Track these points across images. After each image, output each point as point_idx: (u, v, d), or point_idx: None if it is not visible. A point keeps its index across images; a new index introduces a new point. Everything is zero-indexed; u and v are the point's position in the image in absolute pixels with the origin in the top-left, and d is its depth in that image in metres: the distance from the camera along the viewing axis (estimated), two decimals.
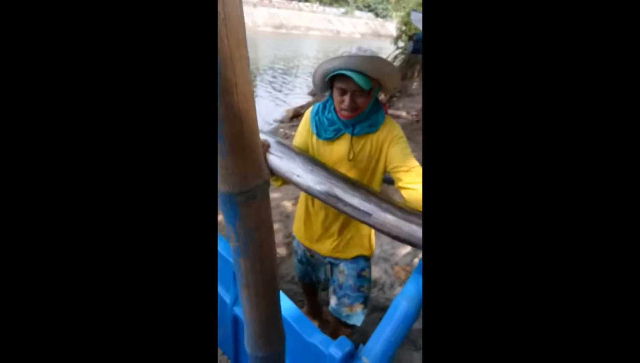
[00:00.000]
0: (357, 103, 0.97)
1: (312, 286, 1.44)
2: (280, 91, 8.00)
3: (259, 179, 0.48)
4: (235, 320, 1.09)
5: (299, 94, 7.87)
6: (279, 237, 2.21)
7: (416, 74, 6.81)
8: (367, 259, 1.21)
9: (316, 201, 1.15)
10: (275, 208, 2.50)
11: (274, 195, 2.65)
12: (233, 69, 0.39)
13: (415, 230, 0.81)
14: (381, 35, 31.46)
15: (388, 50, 7.71)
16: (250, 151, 0.46)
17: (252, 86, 0.44)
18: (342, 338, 0.77)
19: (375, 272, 1.89)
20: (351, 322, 1.20)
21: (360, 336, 1.37)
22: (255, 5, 27.73)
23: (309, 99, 7.09)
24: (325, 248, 1.19)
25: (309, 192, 0.95)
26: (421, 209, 0.85)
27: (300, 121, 1.16)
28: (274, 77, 9.62)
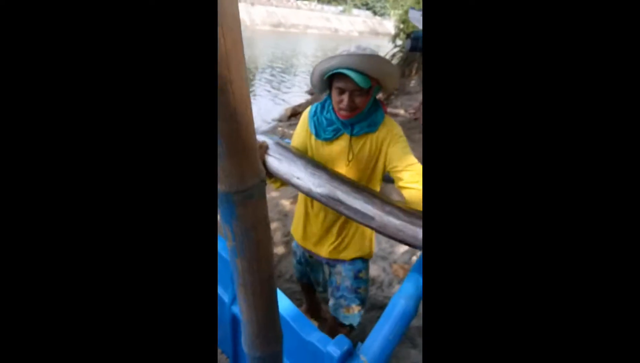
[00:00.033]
0: (356, 103, 0.95)
1: (310, 287, 1.44)
2: (278, 90, 7.99)
3: (255, 178, 0.48)
4: (234, 320, 1.09)
5: (297, 92, 7.87)
6: (277, 236, 2.21)
7: (414, 72, 6.80)
8: (365, 261, 1.20)
9: (315, 203, 1.13)
10: (273, 207, 2.50)
11: (272, 194, 2.64)
12: (229, 68, 0.39)
13: (419, 232, 0.79)
14: (379, 34, 31.43)
15: (386, 48, 7.69)
16: (247, 150, 0.45)
17: (248, 85, 0.43)
18: (340, 336, 0.77)
19: (374, 270, 1.89)
20: (348, 322, 1.19)
21: (358, 334, 1.37)
22: (253, 3, 27.66)
23: (308, 97, 7.08)
24: (324, 249, 1.18)
25: (309, 195, 0.93)
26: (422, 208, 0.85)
27: (298, 119, 1.14)
28: (272, 75, 9.60)
